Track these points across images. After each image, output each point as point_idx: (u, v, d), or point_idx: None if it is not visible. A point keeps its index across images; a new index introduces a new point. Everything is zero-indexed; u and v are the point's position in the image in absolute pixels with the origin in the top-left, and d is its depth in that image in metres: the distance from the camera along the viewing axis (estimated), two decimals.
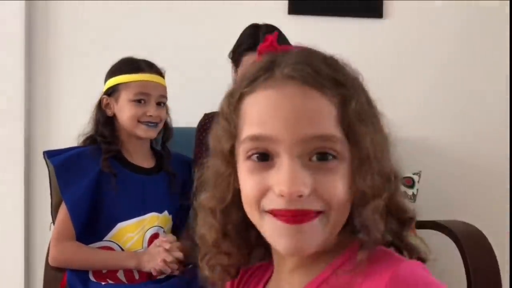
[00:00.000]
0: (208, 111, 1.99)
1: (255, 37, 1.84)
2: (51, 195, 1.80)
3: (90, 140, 1.81)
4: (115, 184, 1.73)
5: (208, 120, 1.96)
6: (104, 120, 1.79)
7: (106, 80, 1.82)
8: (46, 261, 1.92)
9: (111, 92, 1.79)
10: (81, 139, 1.82)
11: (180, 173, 1.86)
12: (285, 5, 2.45)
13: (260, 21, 1.93)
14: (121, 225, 1.74)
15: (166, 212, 1.82)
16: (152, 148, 1.90)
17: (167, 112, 1.85)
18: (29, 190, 2.37)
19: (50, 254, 1.74)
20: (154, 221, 1.78)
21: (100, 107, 1.80)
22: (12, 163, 2.32)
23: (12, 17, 2.31)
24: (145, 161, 1.84)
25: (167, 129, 1.87)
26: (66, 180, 1.73)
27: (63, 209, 1.74)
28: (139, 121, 1.77)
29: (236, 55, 1.86)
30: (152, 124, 1.78)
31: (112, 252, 1.73)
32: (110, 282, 1.71)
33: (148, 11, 2.41)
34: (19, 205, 2.34)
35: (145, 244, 1.75)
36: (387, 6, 2.50)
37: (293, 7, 2.45)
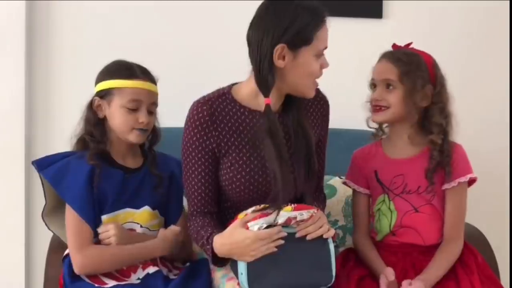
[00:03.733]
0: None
1: (313, 12, 1.72)
2: (45, 199, 1.83)
3: (82, 143, 1.82)
4: (99, 175, 1.75)
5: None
6: (95, 121, 1.81)
7: (98, 81, 1.83)
8: (46, 261, 1.92)
9: (104, 94, 1.80)
10: (74, 140, 1.83)
11: (166, 166, 1.87)
12: None
13: None
14: (103, 218, 1.77)
15: (147, 207, 1.82)
16: (141, 147, 1.90)
17: (155, 116, 1.85)
18: (29, 190, 2.37)
19: (75, 263, 1.72)
20: (128, 216, 1.79)
21: (91, 108, 1.82)
22: (12, 164, 2.33)
23: (12, 17, 2.31)
24: (134, 161, 1.85)
25: (154, 132, 1.87)
26: (64, 187, 1.76)
27: (70, 215, 1.75)
28: (133, 128, 1.78)
29: (306, 34, 1.71)
30: (143, 130, 1.80)
31: (137, 246, 1.75)
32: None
33: (148, 11, 2.40)
34: (19, 205, 2.35)
35: None
36: (387, 6, 2.50)
37: None
